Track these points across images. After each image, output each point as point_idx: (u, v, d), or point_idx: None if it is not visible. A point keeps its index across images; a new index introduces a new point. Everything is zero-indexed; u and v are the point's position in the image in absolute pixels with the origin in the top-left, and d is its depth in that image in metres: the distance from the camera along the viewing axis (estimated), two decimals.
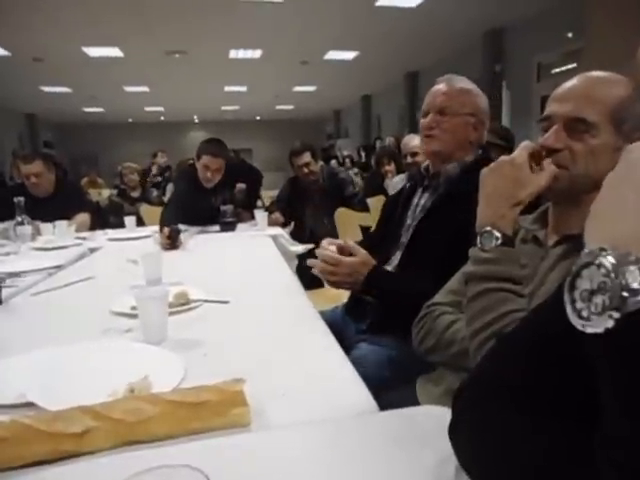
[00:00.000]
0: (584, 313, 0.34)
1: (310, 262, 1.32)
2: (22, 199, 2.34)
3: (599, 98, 0.79)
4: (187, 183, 2.89)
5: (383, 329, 1.35)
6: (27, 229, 2.32)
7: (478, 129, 1.37)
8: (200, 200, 2.81)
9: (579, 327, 0.35)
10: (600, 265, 0.33)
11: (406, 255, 1.38)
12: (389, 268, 1.42)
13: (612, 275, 0.32)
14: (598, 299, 0.33)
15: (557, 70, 6.44)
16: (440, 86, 1.37)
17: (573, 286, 0.36)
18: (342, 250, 1.32)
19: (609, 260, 0.33)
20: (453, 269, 1.01)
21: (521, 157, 0.81)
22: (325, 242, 1.38)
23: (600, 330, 0.33)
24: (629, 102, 0.77)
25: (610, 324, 0.32)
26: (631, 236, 0.34)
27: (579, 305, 0.35)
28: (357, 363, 1.12)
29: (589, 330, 0.34)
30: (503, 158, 0.83)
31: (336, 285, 1.29)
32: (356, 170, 6.71)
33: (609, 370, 0.34)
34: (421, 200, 1.43)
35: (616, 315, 0.32)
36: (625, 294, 0.32)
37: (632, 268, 0.32)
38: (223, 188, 2.90)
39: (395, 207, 1.52)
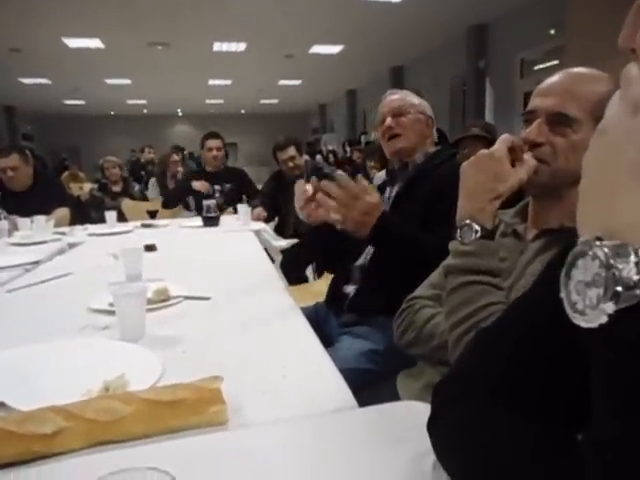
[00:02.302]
0: (579, 306, 0.32)
1: (324, 184, 1.16)
2: None
3: (582, 94, 0.80)
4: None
5: (362, 307, 1.38)
6: (4, 224, 2.27)
7: (430, 126, 1.51)
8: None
9: (574, 321, 0.33)
10: (594, 256, 0.31)
11: None
12: (360, 262, 1.47)
13: (606, 267, 0.31)
14: (592, 292, 0.31)
15: (540, 66, 6.51)
16: (388, 97, 1.53)
17: (568, 276, 0.34)
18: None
19: (604, 251, 0.31)
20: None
21: (500, 151, 0.82)
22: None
23: (594, 325, 0.31)
24: (609, 97, 0.78)
25: (604, 319, 0.31)
26: (627, 225, 0.31)
27: (574, 297, 0.33)
28: (339, 356, 1.13)
29: (583, 324, 0.32)
30: (483, 152, 0.84)
31: (343, 222, 1.15)
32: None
33: (602, 367, 0.32)
34: (392, 193, 1.51)
35: (610, 310, 0.30)
36: (619, 288, 0.30)
37: (627, 260, 0.30)
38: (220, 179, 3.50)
39: None
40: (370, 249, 1.45)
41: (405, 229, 1.25)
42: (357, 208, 1.15)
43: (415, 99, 1.52)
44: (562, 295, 0.34)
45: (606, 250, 0.31)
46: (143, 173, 7.01)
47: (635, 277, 0.30)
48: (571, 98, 0.80)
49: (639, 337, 0.30)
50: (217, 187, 3.50)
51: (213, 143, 3.47)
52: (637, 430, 0.29)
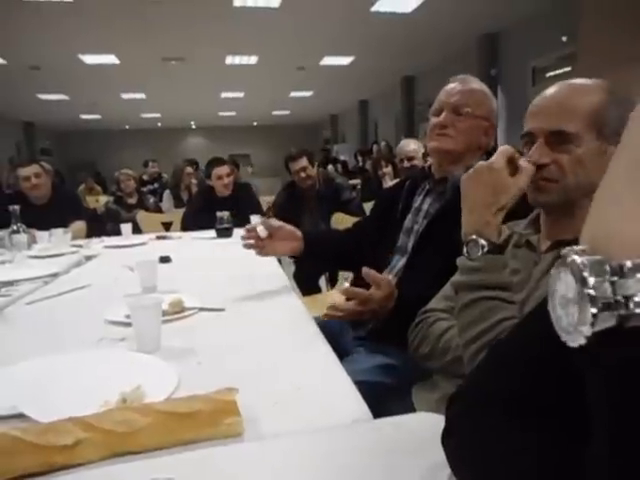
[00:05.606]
0: (563, 322, 0.30)
1: (329, 310, 1.22)
2: (17, 207, 2.33)
3: (575, 107, 0.78)
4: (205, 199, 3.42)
5: (383, 336, 1.34)
6: (22, 237, 2.31)
7: (489, 134, 1.33)
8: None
9: (561, 337, 0.31)
10: (572, 270, 0.28)
11: (412, 261, 1.33)
12: (392, 274, 1.37)
13: (581, 284, 0.28)
14: (573, 309, 0.28)
15: (552, 74, 6.47)
16: (455, 84, 1.31)
17: (554, 289, 0.31)
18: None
19: (578, 266, 0.28)
20: None
21: (499, 162, 0.81)
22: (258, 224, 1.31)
23: (575, 345, 0.29)
24: (604, 106, 0.77)
25: (582, 341, 0.28)
26: (607, 237, 0.28)
27: (559, 312, 0.30)
28: (354, 368, 1.12)
29: (570, 343, 0.30)
30: (481, 164, 0.83)
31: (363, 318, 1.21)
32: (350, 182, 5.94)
33: (588, 385, 0.31)
34: (424, 205, 1.38)
35: (587, 332, 0.28)
36: (594, 310, 0.27)
37: (606, 278, 0.27)
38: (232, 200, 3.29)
39: (392, 205, 1.46)
40: (400, 260, 1.37)
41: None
42: (368, 309, 1.17)
43: (485, 97, 1.31)
44: (549, 308, 0.32)
45: (580, 265, 0.28)
46: (157, 185, 6.98)
47: (610, 297, 0.27)
48: (565, 114, 0.78)
49: (617, 361, 0.28)
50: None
51: (222, 170, 3.28)
52: (620, 450, 0.28)
